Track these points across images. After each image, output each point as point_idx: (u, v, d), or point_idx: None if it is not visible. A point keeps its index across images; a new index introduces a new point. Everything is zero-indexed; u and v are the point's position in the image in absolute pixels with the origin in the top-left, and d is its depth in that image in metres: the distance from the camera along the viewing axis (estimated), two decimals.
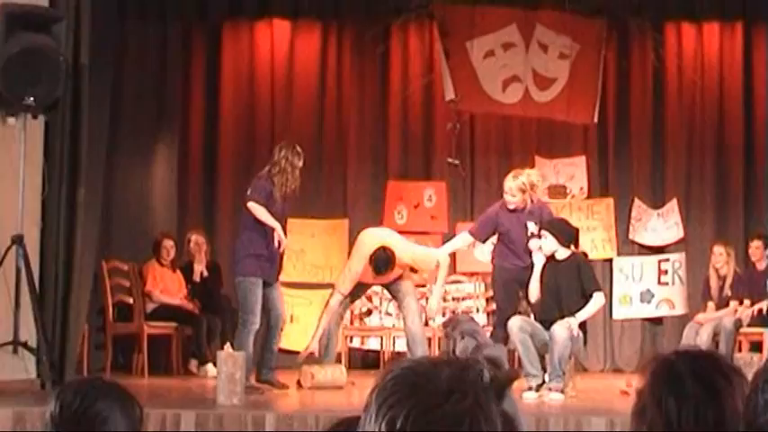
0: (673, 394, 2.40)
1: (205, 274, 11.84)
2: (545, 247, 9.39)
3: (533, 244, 9.52)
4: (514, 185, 9.89)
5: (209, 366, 11.04)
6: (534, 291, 9.43)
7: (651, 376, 2.48)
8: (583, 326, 9.13)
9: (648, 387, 2.47)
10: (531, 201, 9.97)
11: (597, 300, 9.25)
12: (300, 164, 9.49)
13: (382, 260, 9.84)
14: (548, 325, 9.14)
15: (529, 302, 9.73)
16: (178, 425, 7.43)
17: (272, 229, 9.32)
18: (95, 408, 2.78)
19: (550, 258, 9.32)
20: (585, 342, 9.33)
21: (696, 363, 2.48)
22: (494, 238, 10.24)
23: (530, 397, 8.97)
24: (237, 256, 9.55)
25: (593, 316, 9.66)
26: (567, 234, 9.44)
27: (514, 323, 9.16)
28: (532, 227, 9.83)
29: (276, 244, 9.27)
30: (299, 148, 9.61)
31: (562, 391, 8.98)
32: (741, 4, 12.58)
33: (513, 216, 9.95)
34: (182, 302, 11.58)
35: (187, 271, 11.85)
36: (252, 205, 9.41)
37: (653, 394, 2.44)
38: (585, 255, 9.55)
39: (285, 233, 9.54)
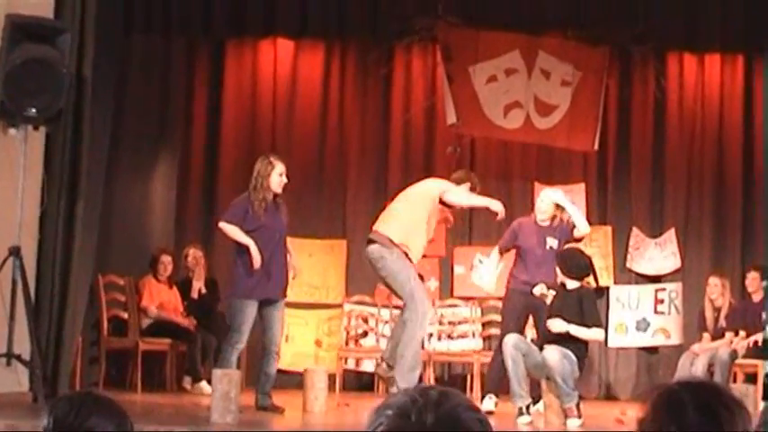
0: (675, 425, 2.39)
1: (203, 290, 11.82)
2: (557, 273, 9.41)
3: (537, 289, 9.50)
4: (550, 201, 10.17)
5: (203, 384, 11.01)
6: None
7: (653, 406, 2.47)
8: (580, 351, 9.08)
9: (650, 416, 2.45)
10: (561, 219, 10.20)
11: (594, 333, 9.21)
12: (276, 171, 9.31)
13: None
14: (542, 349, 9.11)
15: (538, 332, 9.74)
16: None
17: (270, 248, 9.26)
18: (90, 422, 2.76)
19: (562, 286, 9.31)
20: (581, 368, 9.28)
21: (699, 393, 2.46)
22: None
23: (523, 421, 8.94)
24: (232, 276, 9.53)
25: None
26: (576, 266, 9.36)
27: (510, 340, 9.13)
28: (554, 243, 9.95)
29: (258, 262, 9.16)
30: (272, 158, 9.48)
31: (580, 415, 8.92)
32: (742, 35, 12.59)
33: (534, 230, 10.15)
34: (177, 319, 11.56)
35: (184, 286, 11.82)
36: (222, 225, 9.44)
37: (655, 424, 2.42)
38: (600, 288, 9.49)
39: (282, 247, 9.46)
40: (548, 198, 10.39)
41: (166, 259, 11.67)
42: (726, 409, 2.42)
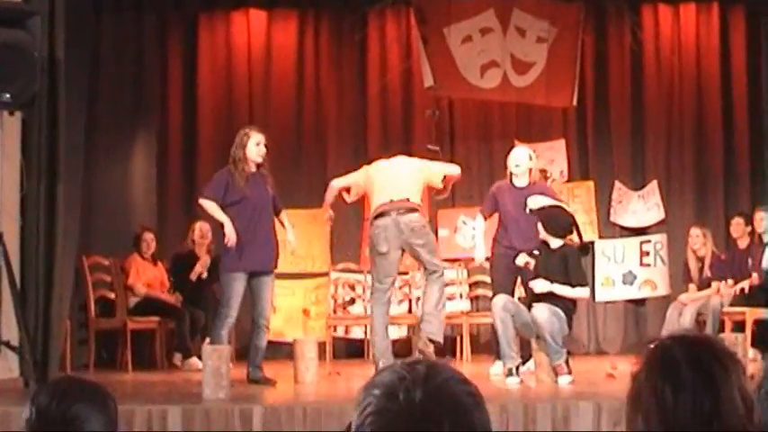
0: (669, 382, 2.39)
1: (204, 275, 11.75)
2: (539, 231, 9.35)
3: (520, 260, 9.45)
4: (525, 156, 10.09)
5: (194, 360, 11.02)
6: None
7: (647, 362, 2.47)
8: (568, 309, 9.08)
9: (644, 373, 2.45)
10: (534, 181, 10.11)
11: (579, 291, 9.18)
12: (253, 141, 9.26)
13: None
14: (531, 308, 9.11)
15: (526, 291, 9.71)
16: (165, 421, 7.38)
17: (254, 219, 9.24)
18: (72, 410, 2.74)
19: (545, 245, 9.28)
20: (571, 326, 9.29)
21: (693, 349, 2.46)
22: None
23: (512, 382, 8.95)
24: (221, 252, 9.51)
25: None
26: (559, 224, 9.30)
27: (498, 302, 9.12)
28: (532, 203, 9.83)
29: (232, 239, 9.13)
30: (248, 129, 9.44)
31: (569, 371, 8.94)
32: None
33: (513, 193, 10.00)
34: (164, 296, 11.54)
35: (185, 261, 11.74)
36: (201, 202, 9.42)
37: (649, 381, 2.42)
38: (586, 246, 9.43)
39: (269, 218, 9.44)
40: (521, 152, 10.24)
41: (149, 236, 11.64)
42: (719, 365, 2.42)
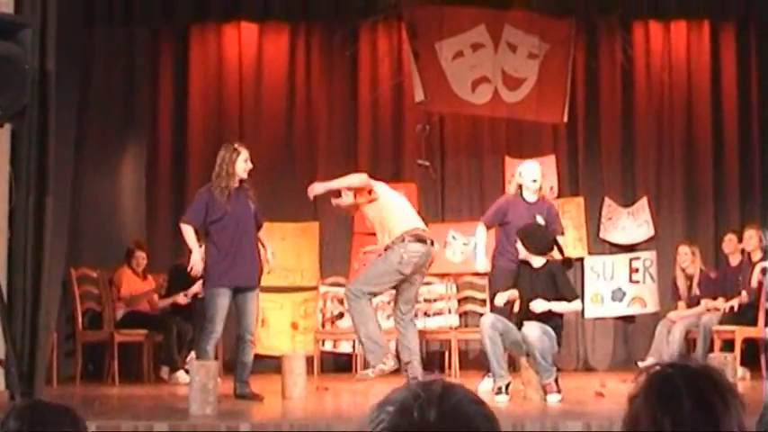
0: (669, 413, 2.35)
1: (199, 295, 11.67)
2: (519, 250, 9.33)
3: (499, 301, 9.38)
4: (540, 179, 10.12)
5: (180, 373, 10.98)
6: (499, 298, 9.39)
7: (646, 388, 2.44)
8: (557, 326, 9.07)
9: (643, 399, 2.42)
10: (543, 197, 10.20)
11: (575, 305, 9.22)
12: (242, 157, 9.23)
13: None
14: (520, 326, 9.08)
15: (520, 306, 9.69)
16: None
17: (238, 235, 9.20)
18: None
19: (527, 265, 9.26)
20: (560, 343, 9.28)
21: (694, 380, 2.43)
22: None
23: (501, 400, 8.92)
24: (204, 268, 9.43)
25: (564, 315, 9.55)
26: (540, 242, 9.29)
27: (486, 320, 9.10)
28: (541, 220, 9.86)
29: (196, 268, 9.13)
30: (237, 145, 9.39)
31: (559, 390, 8.92)
32: (707, 2, 12.58)
33: (524, 207, 9.97)
34: (151, 309, 11.50)
35: (182, 274, 11.65)
36: (181, 225, 9.36)
37: (647, 408, 2.39)
38: (569, 260, 9.39)
39: (252, 234, 9.39)
40: (534, 166, 10.24)
41: (140, 255, 11.62)
42: (721, 398, 2.39)
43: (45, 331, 9.36)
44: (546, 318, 8.97)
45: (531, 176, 10.08)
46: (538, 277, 9.16)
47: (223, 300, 9.10)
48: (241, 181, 9.30)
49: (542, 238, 9.34)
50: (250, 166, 9.33)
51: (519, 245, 9.27)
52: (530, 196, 10.06)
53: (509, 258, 9.82)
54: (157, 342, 11.37)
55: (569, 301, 9.11)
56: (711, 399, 2.37)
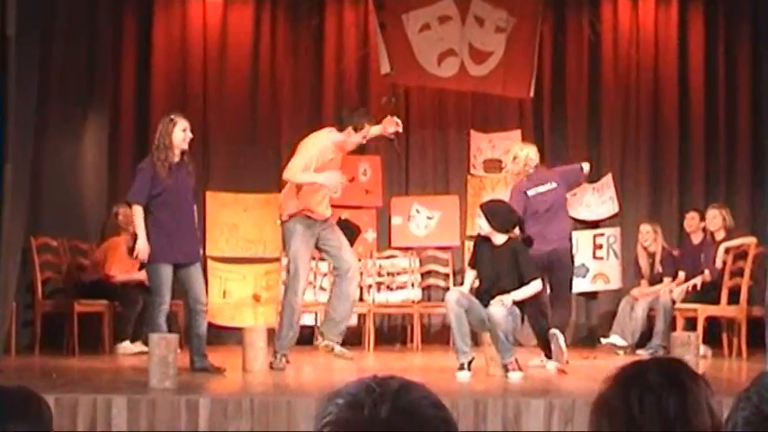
0: (636, 384, 2.37)
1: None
2: (480, 227, 9.27)
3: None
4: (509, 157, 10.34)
5: (126, 344, 10.91)
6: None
7: (617, 375, 2.45)
8: (521, 306, 9.03)
9: (613, 382, 2.43)
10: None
11: (534, 286, 9.11)
12: (179, 127, 9.03)
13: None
14: (485, 304, 9.03)
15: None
16: (109, 411, 7.26)
17: (177, 210, 9.08)
18: (8, 430, 2.59)
19: (488, 242, 9.21)
20: (523, 320, 9.25)
21: (663, 362, 2.47)
22: None
23: (463, 377, 8.87)
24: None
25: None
26: (504, 219, 9.20)
27: (452, 296, 9.05)
28: (552, 185, 10.02)
29: (142, 254, 9.01)
30: (173, 116, 9.19)
31: (520, 368, 8.90)
32: None
33: (534, 184, 10.03)
34: (129, 279, 11.32)
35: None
36: (134, 208, 9.12)
37: (616, 387, 2.40)
38: (530, 239, 9.33)
39: (190, 209, 9.29)
40: (528, 150, 10.28)
41: (125, 211, 11.32)
42: (688, 375, 2.40)
43: (3, 299, 9.27)
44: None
45: (522, 155, 10.22)
46: (499, 255, 9.11)
47: (166, 271, 9.00)
48: (183, 153, 9.15)
49: (507, 215, 9.27)
50: (189, 136, 9.14)
51: (481, 220, 9.20)
52: (530, 173, 10.18)
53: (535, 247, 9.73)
54: (118, 313, 11.21)
55: (527, 282, 9.04)
56: (678, 374, 2.40)
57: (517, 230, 9.34)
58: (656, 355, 2.72)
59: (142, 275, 11.11)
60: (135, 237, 11.06)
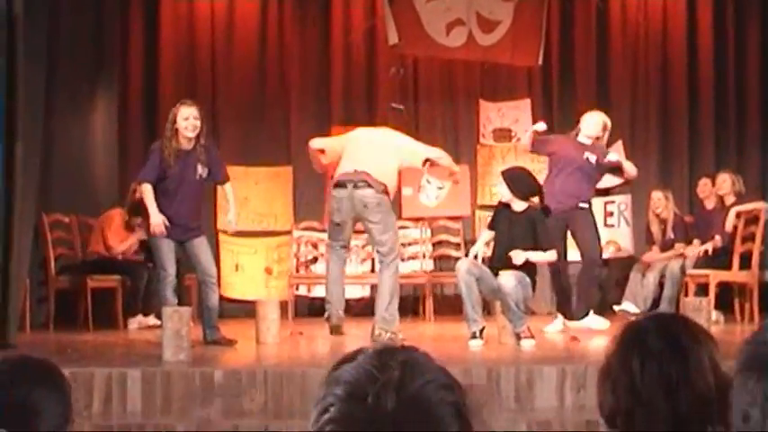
0: (636, 351, 2.39)
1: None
2: (500, 194, 9.29)
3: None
4: (598, 122, 10.25)
5: (138, 317, 10.96)
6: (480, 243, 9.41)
7: (619, 338, 2.46)
8: (532, 272, 9.04)
9: (615, 348, 2.44)
10: (599, 141, 10.27)
11: (549, 255, 9.16)
12: (181, 116, 9.00)
13: None
14: (496, 272, 9.05)
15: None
16: (125, 384, 7.31)
17: (177, 197, 9.09)
18: (32, 397, 2.59)
19: (507, 207, 9.21)
20: (534, 288, 9.26)
21: (662, 322, 2.47)
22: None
23: (475, 345, 8.91)
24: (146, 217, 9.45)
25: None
26: (525, 187, 9.24)
27: (462, 265, 9.07)
28: (592, 157, 10.01)
29: (154, 228, 9.01)
30: (180, 104, 9.13)
31: (532, 336, 8.93)
32: None
33: (573, 143, 10.14)
34: (131, 256, 11.37)
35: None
36: (143, 187, 9.16)
37: (618, 354, 2.42)
38: (546, 207, 9.35)
39: (195, 194, 9.28)
40: (596, 119, 10.30)
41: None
42: (689, 335, 2.41)
43: (17, 277, 9.31)
44: (524, 266, 8.96)
45: (586, 122, 10.29)
46: (518, 222, 9.12)
47: (168, 246, 9.05)
48: (197, 139, 9.13)
49: (527, 182, 9.29)
50: (195, 123, 9.04)
51: (502, 187, 9.22)
52: (584, 140, 10.18)
53: (557, 195, 9.74)
54: (131, 287, 11.26)
55: (545, 250, 9.07)
56: (678, 337, 2.41)
57: (536, 200, 9.37)
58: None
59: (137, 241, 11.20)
60: (131, 209, 11.16)
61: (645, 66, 12.87)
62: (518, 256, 8.92)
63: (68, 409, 2.67)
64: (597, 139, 10.21)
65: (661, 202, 11.80)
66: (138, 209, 11.31)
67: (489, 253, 9.45)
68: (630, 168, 10.45)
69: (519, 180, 9.25)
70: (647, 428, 2.34)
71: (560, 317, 10.20)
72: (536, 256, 9.03)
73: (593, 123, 10.22)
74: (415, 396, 1.56)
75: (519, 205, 9.19)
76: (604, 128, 10.26)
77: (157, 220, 8.98)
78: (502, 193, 9.27)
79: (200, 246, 9.24)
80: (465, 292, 8.96)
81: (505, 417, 7.18)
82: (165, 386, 7.38)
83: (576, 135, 10.24)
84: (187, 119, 9.03)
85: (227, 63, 12.75)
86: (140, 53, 12.67)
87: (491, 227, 9.41)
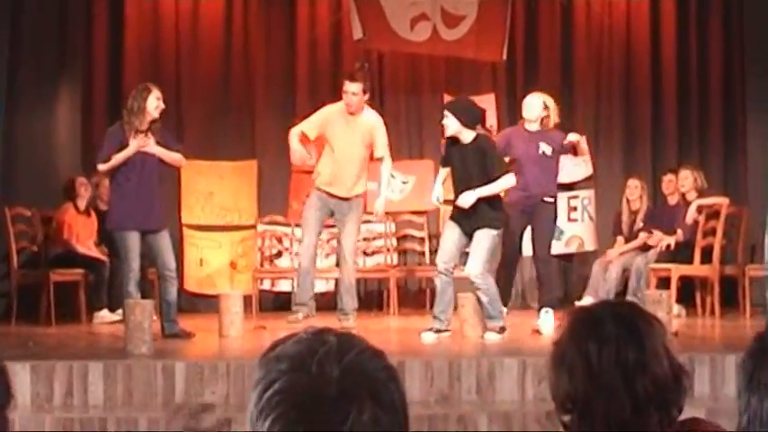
0: (593, 337, 2.40)
1: None
2: (447, 127, 9.09)
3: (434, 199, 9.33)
4: (536, 104, 9.83)
5: (104, 312, 10.93)
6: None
7: (570, 324, 2.47)
8: (496, 221, 9.06)
9: (568, 333, 2.45)
10: (548, 123, 9.84)
11: (505, 180, 8.99)
12: (154, 95, 9.18)
13: None
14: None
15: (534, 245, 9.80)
16: (86, 376, 7.31)
17: (141, 177, 9.12)
18: None
19: (457, 141, 9.07)
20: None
21: (616, 308, 2.49)
22: None
23: (427, 337, 8.98)
24: (108, 209, 9.55)
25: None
26: (471, 114, 9.09)
27: (474, 270, 8.99)
28: (547, 149, 9.71)
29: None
30: (150, 85, 9.35)
31: (500, 332, 8.98)
32: None
33: (526, 136, 9.74)
34: (89, 251, 11.35)
35: (99, 215, 11.58)
36: (99, 167, 9.27)
37: (573, 339, 2.42)
38: (491, 132, 9.22)
39: (154, 176, 9.31)
40: (535, 100, 9.94)
41: (82, 181, 11.42)
42: (643, 320, 2.43)
43: None
44: (486, 213, 8.92)
45: (526, 105, 9.89)
46: (468, 154, 9.00)
47: (133, 239, 9.09)
48: (152, 123, 9.19)
49: (472, 110, 9.19)
50: (162, 106, 9.25)
51: (448, 120, 9.04)
52: (532, 127, 9.84)
53: (518, 193, 9.61)
54: (93, 281, 11.23)
55: (497, 177, 8.93)
56: (633, 320, 2.43)
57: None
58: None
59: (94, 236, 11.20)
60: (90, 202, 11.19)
61: (609, 62, 12.93)
62: (465, 199, 8.87)
63: (5, 394, 2.66)
64: (543, 121, 9.79)
65: (636, 191, 11.87)
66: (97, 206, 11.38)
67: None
68: (585, 147, 10.35)
69: (464, 109, 9.12)
70: (606, 411, 2.36)
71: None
72: (489, 189, 8.91)
73: (532, 106, 9.83)
74: (354, 363, 1.65)
75: (467, 135, 9.03)
76: (545, 107, 9.85)
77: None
78: (448, 125, 9.07)
79: (163, 240, 9.27)
80: (487, 292, 8.96)
81: (466, 409, 7.21)
82: (127, 379, 7.38)
83: (524, 124, 10.07)
84: (159, 99, 9.20)
85: (192, 57, 12.73)
86: (104, 47, 12.62)
87: (445, 164, 9.30)
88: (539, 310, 9.84)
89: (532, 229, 9.81)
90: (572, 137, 9.82)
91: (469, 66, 12.78)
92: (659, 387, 2.36)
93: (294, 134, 9.77)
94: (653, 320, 2.46)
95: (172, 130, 9.65)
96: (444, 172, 9.33)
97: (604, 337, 2.38)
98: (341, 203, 9.73)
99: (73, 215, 11.34)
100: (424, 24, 12.40)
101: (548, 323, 9.54)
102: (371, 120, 9.78)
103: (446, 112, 9.15)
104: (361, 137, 9.68)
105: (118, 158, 9.09)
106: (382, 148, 9.80)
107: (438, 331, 9.05)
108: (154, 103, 9.16)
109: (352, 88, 9.60)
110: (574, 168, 12.76)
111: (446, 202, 9.58)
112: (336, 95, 12.57)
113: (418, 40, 12.44)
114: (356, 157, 9.69)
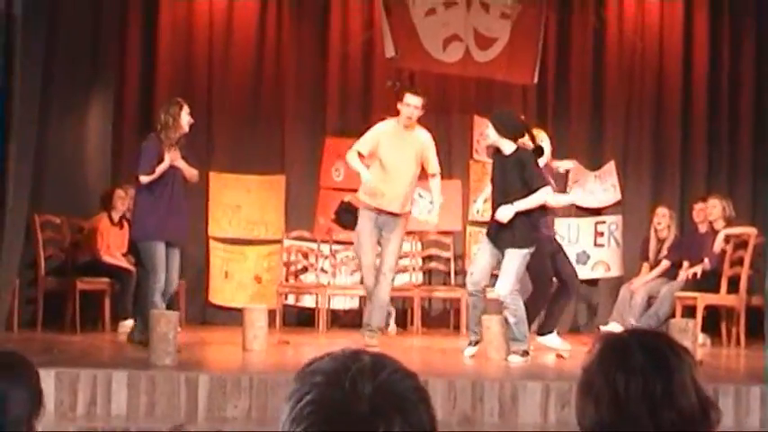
0: (621, 368, 2.38)
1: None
2: (487, 136, 9.21)
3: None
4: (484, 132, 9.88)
5: (128, 322, 10.95)
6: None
7: (599, 352, 2.45)
8: (531, 228, 9.03)
9: (596, 362, 2.44)
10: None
11: (541, 194, 8.90)
12: (185, 110, 9.40)
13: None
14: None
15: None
16: (110, 386, 7.33)
17: (172, 189, 9.29)
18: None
19: (498, 152, 9.07)
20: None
21: (646, 338, 2.47)
22: None
23: (469, 351, 9.04)
24: (136, 219, 9.65)
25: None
26: (512, 126, 9.03)
27: (502, 291, 8.95)
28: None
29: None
30: (180, 100, 9.55)
31: (524, 355, 8.97)
32: None
33: (549, 173, 9.74)
34: (118, 260, 11.38)
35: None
36: (142, 178, 9.36)
37: (601, 368, 2.41)
38: (539, 146, 9.19)
39: (182, 188, 9.46)
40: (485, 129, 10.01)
41: (120, 194, 11.47)
42: (672, 352, 2.41)
43: (6, 276, 9.37)
44: (517, 230, 8.89)
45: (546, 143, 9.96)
46: (508, 165, 8.95)
47: (160, 249, 9.23)
48: (180, 137, 9.40)
49: (514, 122, 9.16)
50: (192, 120, 9.48)
51: (489, 129, 9.08)
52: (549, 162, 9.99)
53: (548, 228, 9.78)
54: (119, 291, 11.26)
55: (534, 191, 8.86)
56: (663, 352, 2.40)
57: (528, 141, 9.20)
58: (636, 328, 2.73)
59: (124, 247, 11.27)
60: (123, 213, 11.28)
61: (640, 87, 12.90)
62: (503, 213, 8.84)
63: (35, 398, 2.69)
64: (497, 149, 9.27)
65: (665, 219, 11.84)
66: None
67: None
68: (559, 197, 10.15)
69: (505, 119, 9.10)
70: None
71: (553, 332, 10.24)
72: (526, 203, 8.85)
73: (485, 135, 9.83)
74: (387, 382, 1.70)
75: (507, 146, 8.99)
76: (485, 137, 9.86)
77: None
78: (488, 134, 9.11)
79: (176, 256, 9.49)
80: (517, 313, 8.98)
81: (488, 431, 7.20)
82: (150, 389, 7.39)
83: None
84: (189, 113, 9.39)
85: (224, 70, 12.77)
86: (137, 57, 12.69)
87: (491, 179, 9.26)
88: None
89: (553, 262, 10.06)
90: (567, 165, 9.96)
91: (500, 87, 12.77)
92: (685, 420, 2.35)
93: (354, 156, 9.77)
94: (682, 352, 2.45)
95: (191, 147, 9.75)
96: (488, 190, 9.37)
97: (632, 368, 2.37)
98: (389, 220, 9.77)
99: (106, 225, 11.40)
100: (456, 45, 12.41)
101: (554, 341, 9.96)
102: (423, 137, 9.86)
103: (488, 122, 9.23)
104: (414, 153, 9.75)
105: (159, 170, 9.19)
106: (434, 165, 9.91)
107: (476, 343, 9.16)
108: (186, 118, 9.38)
109: (415, 101, 9.73)
110: (602, 194, 12.76)
111: (475, 223, 9.62)
112: (366, 112, 12.68)
113: (450, 61, 12.45)
114: (408, 173, 9.78)
